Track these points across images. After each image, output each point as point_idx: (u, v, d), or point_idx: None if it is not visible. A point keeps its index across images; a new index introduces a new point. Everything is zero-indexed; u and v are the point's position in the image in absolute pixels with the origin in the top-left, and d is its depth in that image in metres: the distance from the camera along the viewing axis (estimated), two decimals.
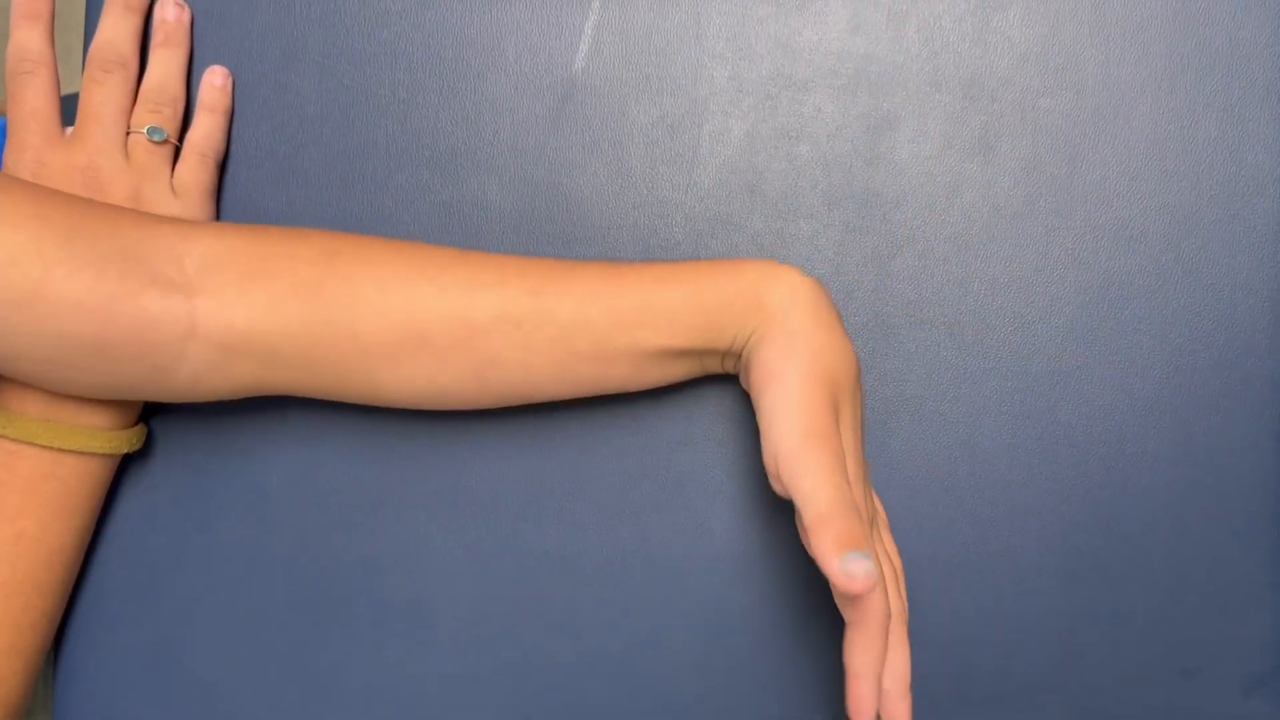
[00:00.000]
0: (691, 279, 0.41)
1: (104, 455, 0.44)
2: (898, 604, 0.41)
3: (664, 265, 0.42)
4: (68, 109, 0.46)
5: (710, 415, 0.47)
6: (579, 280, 0.41)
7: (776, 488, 0.39)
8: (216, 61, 0.48)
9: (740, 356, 0.42)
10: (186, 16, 0.48)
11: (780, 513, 0.47)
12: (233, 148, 0.48)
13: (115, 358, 0.38)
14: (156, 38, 0.47)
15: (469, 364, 0.41)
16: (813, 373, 0.39)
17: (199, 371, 0.40)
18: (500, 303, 0.40)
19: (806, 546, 0.36)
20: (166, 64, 0.47)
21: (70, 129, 0.46)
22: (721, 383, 0.47)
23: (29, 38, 0.46)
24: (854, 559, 0.33)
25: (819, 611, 0.47)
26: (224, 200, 0.48)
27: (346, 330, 0.40)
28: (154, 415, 0.48)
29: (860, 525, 0.35)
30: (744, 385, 0.43)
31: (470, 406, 0.43)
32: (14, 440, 0.42)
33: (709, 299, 0.41)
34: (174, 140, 0.47)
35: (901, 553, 0.47)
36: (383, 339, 0.40)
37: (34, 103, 0.45)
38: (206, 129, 0.47)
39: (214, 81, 0.48)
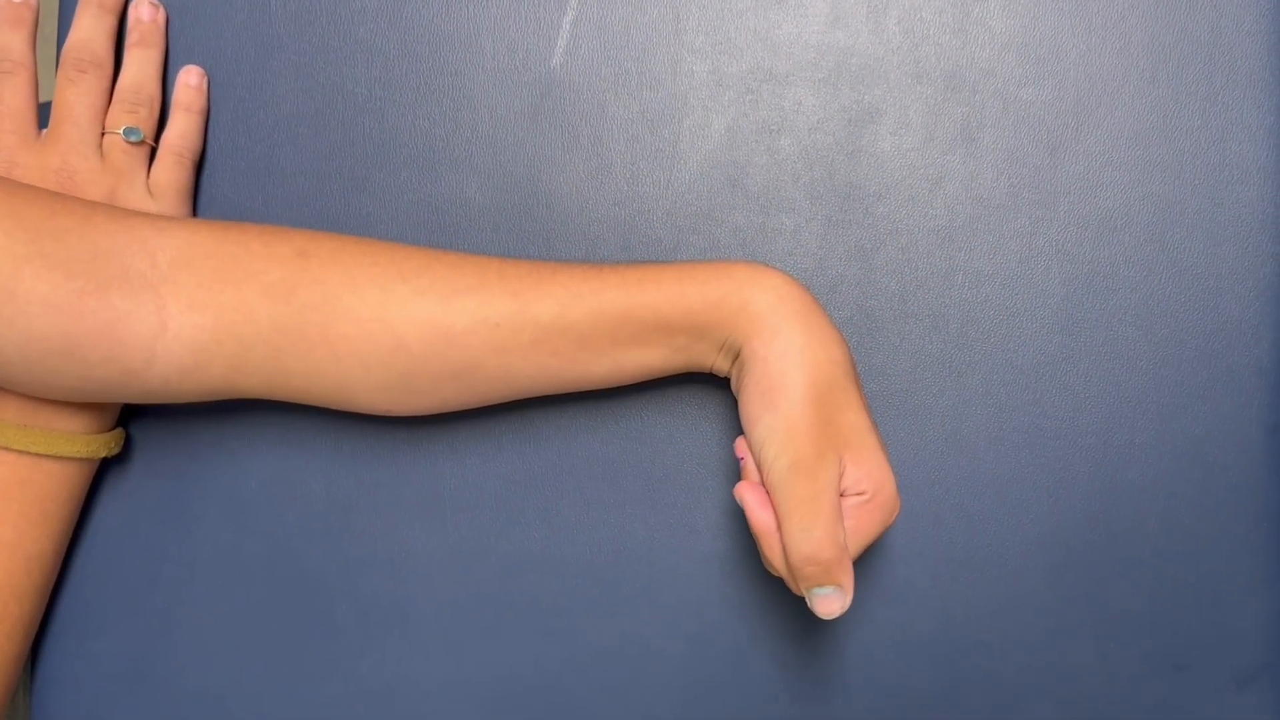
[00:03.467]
0: (674, 281, 0.40)
1: (81, 460, 0.44)
2: None
3: (646, 267, 0.41)
4: (43, 116, 0.46)
5: (693, 412, 0.47)
6: (560, 282, 0.40)
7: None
8: (191, 61, 0.48)
9: (732, 360, 0.42)
10: (161, 16, 0.47)
11: None
12: (208, 147, 0.48)
13: (85, 359, 0.38)
14: (131, 38, 0.47)
15: (446, 367, 0.40)
16: (806, 395, 0.39)
17: (169, 374, 0.39)
18: (479, 305, 0.40)
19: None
20: (142, 64, 0.47)
21: (45, 131, 0.46)
22: (704, 380, 0.46)
23: (11, 39, 0.45)
24: (820, 595, 0.39)
25: (803, 609, 0.47)
26: (200, 200, 0.48)
27: (318, 334, 0.39)
28: (132, 420, 0.47)
29: (830, 566, 0.38)
30: (735, 393, 0.43)
31: (447, 409, 0.43)
32: None
33: (693, 302, 0.40)
34: (150, 141, 0.46)
35: (888, 549, 0.47)
36: (356, 345, 0.40)
37: (11, 102, 0.45)
38: (182, 129, 0.47)
39: (189, 81, 0.47)
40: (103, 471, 0.47)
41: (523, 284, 0.40)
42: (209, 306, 0.39)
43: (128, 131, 0.46)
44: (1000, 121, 0.47)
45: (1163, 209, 0.47)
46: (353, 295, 0.39)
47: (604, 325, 0.40)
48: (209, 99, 0.48)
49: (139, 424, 0.47)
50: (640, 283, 0.40)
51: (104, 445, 0.44)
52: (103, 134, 0.46)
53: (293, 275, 0.39)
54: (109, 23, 0.47)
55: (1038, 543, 0.47)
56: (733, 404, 0.47)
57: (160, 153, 0.47)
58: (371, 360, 0.40)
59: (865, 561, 0.47)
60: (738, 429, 0.47)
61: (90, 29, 0.46)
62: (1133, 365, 0.47)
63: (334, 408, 0.42)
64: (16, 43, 0.45)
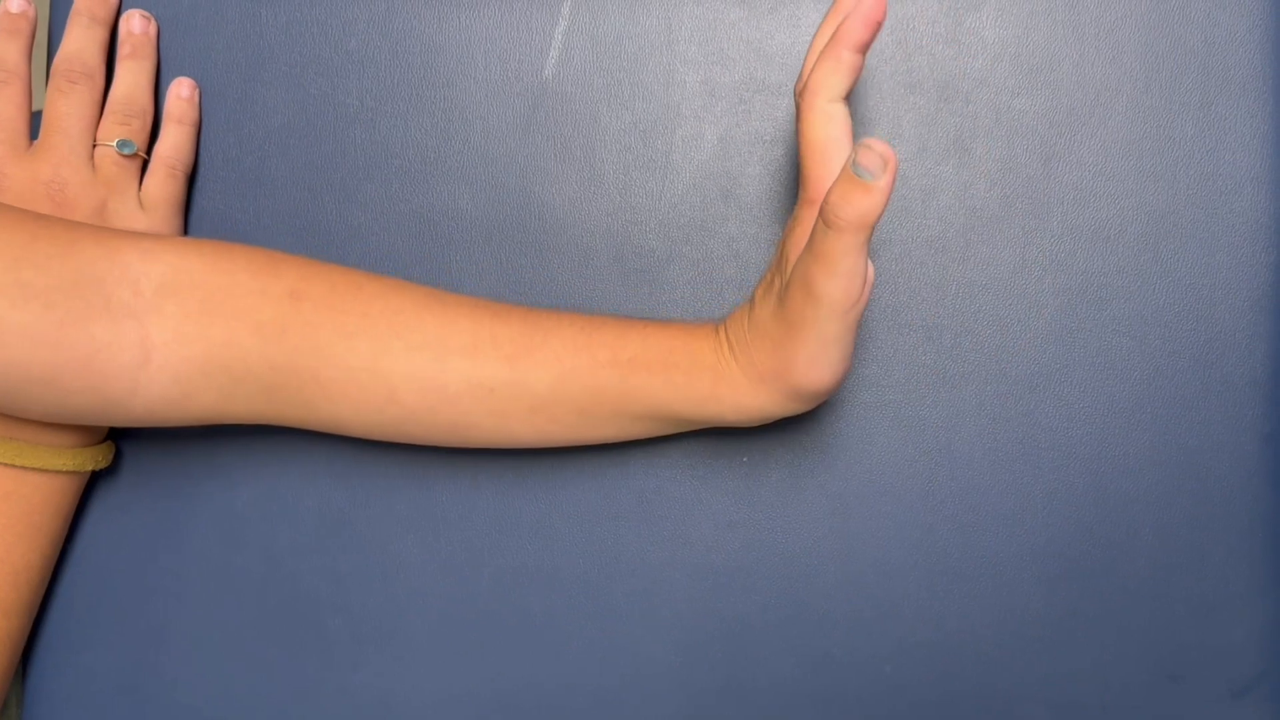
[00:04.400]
0: (662, 367, 0.40)
1: (69, 473, 0.44)
2: None
3: (635, 341, 0.40)
4: (35, 127, 0.46)
5: None
6: (553, 350, 0.40)
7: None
8: (182, 73, 0.48)
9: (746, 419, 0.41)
10: (153, 28, 0.47)
11: (757, 521, 0.46)
12: (199, 159, 0.48)
13: (64, 388, 0.37)
14: (123, 50, 0.47)
15: (440, 423, 0.40)
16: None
17: (153, 404, 0.39)
18: (473, 369, 0.39)
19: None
20: (134, 76, 0.47)
21: (36, 142, 0.46)
22: None
23: (5, 49, 0.45)
24: (861, 161, 0.33)
25: (798, 620, 0.46)
26: (191, 213, 0.48)
27: (310, 375, 0.39)
28: (123, 433, 0.47)
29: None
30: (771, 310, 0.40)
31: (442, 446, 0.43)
32: None
33: (687, 393, 0.40)
34: (142, 153, 0.46)
35: (882, 561, 0.46)
36: (349, 390, 0.39)
37: (4, 112, 0.45)
38: (174, 141, 0.47)
39: (181, 93, 0.47)
40: (94, 484, 0.47)
41: (516, 348, 0.40)
42: (197, 340, 0.38)
43: (121, 144, 0.45)
44: (993, 131, 0.47)
45: (1157, 219, 0.46)
46: (344, 345, 0.39)
47: (604, 401, 0.40)
48: (200, 111, 0.48)
49: (130, 437, 0.47)
50: (632, 364, 0.40)
51: (92, 459, 0.44)
52: (94, 146, 0.46)
53: (284, 317, 0.39)
54: (100, 34, 0.47)
55: (1032, 554, 0.46)
56: None
57: (152, 165, 0.46)
58: (364, 407, 0.40)
59: (859, 573, 0.46)
60: (732, 440, 0.46)
61: (82, 40, 0.46)
62: (1127, 375, 0.46)
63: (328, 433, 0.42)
64: (12, 53, 0.45)
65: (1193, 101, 0.46)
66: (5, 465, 0.42)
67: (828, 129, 0.38)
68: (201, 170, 0.48)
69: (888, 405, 0.47)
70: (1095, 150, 0.46)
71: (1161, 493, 0.46)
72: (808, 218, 0.39)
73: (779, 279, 0.39)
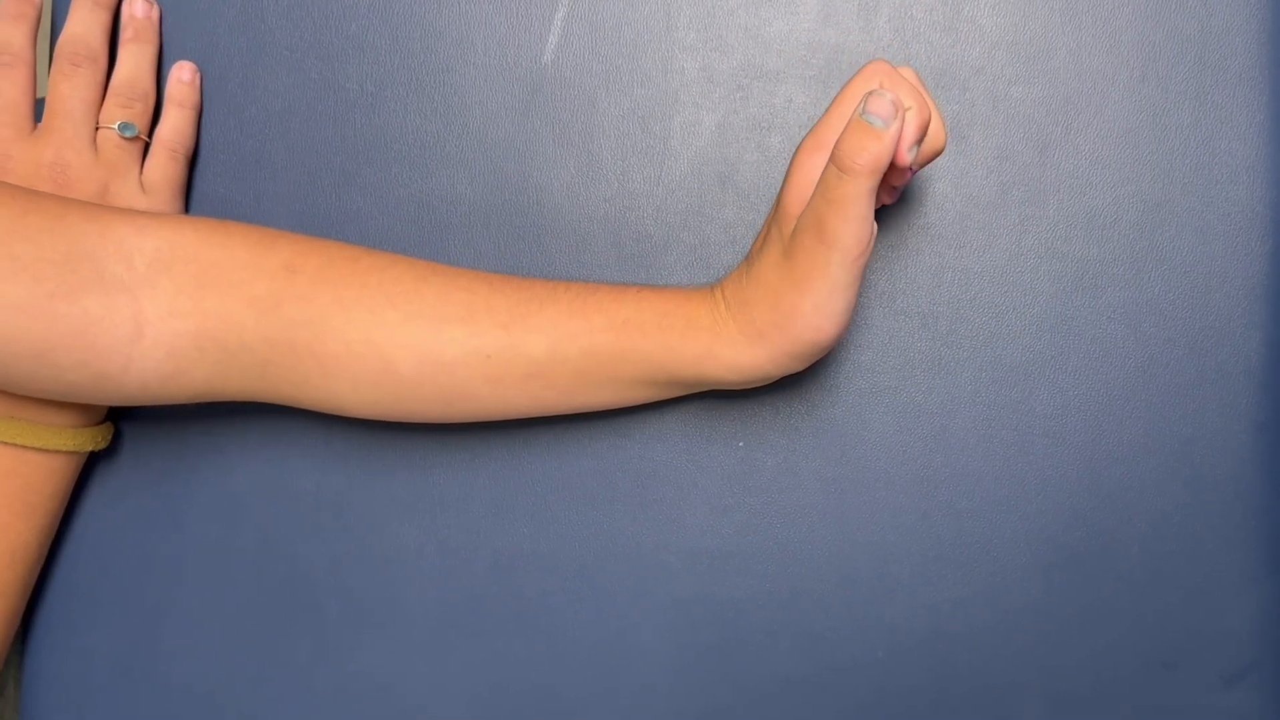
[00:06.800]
0: (657, 330, 0.40)
1: (68, 453, 0.44)
2: None
3: (629, 304, 0.41)
4: (39, 114, 0.46)
5: (682, 407, 0.47)
6: (548, 317, 0.40)
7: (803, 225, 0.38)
8: (183, 57, 0.48)
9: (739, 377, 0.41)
10: (155, 12, 0.48)
11: (752, 506, 0.47)
12: (200, 143, 0.48)
13: (57, 363, 0.37)
14: (126, 34, 0.47)
15: (437, 393, 0.40)
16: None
17: (147, 379, 0.39)
18: (470, 337, 0.39)
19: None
20: (137, 59, 0.47)
21: (39, 125, 0.46)
22: None
23: (11, 33, 0.45)
24: (871, 108, 0.35)
25: (792, 605, 0.47)
26: (192, 196, 0.48)
27: (306, 349, 0.39)
28: (122, 414, 0.47)
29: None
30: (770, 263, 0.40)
31: (438, 422, 0.43)
32: None
33: (680, 353, 0.40)
34: (144, 136, 0.47)
35: (876, 547, 0.47)
36: (345, 364, 0.39)
37: (8, 94, 0.45)
38: (175, 124, 0.47)
39: (182, 77, 0.47)
40: (92, 466, 0.47)
41: (511, 316, 0.40)
42: (191, 314, 0.38)
43: (122, 127, 0.46)
44: (990, 119, 0.47)
45: (1152, 207, 0.47)
46: (341, 317, 0.39)
47: (600, 364, 0.40)
48: (201, 94, 0.48)
49: (128, 418, 0.47)
50: (626, 327, 0.40)
51: (91, 439, 0.44)
52: (96, 128, 0.46)
53: (279, 290, 0.39)
54: (103, 18, 0.47)
55: (1026, 540, 0.46)
56: (723, 399, 0.47)
57: (153, 148, 0.47)
58: (361, 380, 0.40)
59: (854, 558, 0.47)
60: (728, 425, 0.47)
61: (85, 23, 0.46)
62: (1121, 363, 0.46)
63: (323, 412, 0.42)
64: (17, 37, 0.45)
65: (1189, 90, 0.47)
66: (4, 444, 0.42)
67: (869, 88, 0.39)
68: (202, 153, 0.48)
69: (883, 391, 0.47)
70: (1091, 138, 0.47)
71: (1155, 480, 0.46)
72: (808, 164, 0.39)
73: (777, 230, 0.40)
